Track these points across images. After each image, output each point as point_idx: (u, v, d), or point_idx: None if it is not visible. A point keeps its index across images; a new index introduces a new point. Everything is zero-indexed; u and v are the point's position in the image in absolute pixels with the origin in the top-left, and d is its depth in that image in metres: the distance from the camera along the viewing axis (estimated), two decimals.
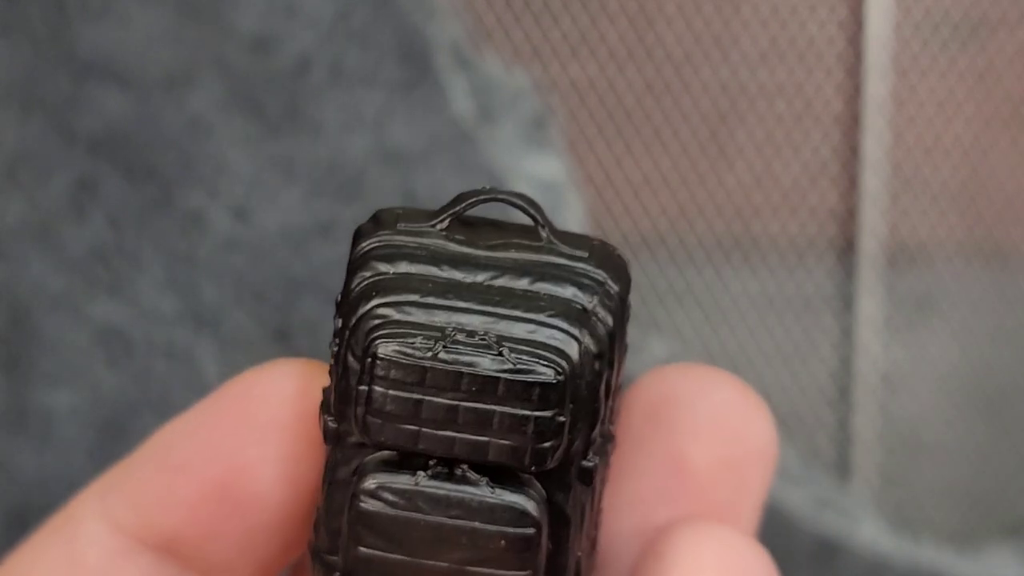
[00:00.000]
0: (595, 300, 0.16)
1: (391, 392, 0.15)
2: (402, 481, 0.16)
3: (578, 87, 0.41)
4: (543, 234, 0.17)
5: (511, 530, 0.15)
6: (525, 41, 0.41)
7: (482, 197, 0.17)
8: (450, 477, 0.16)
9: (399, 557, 0.16)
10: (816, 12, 0.42)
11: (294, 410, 0.17)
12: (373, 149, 0.39)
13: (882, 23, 0.42)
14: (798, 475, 0.42)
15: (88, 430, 0.40)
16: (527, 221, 0.17)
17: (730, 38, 0.42)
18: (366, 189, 0.39)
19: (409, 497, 0.16)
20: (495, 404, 0.15)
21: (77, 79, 0.39)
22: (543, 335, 0.16)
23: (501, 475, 0.16)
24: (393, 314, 0.16)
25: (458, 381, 0.15)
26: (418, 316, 0.16)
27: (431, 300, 0.16)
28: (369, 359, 0.16)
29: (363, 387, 0.16)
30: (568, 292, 0.16)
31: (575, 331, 0.16)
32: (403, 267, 0.16)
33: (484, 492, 0.16)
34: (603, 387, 0.16)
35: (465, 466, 0.16)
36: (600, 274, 0.17)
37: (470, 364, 0.15)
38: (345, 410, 0.16)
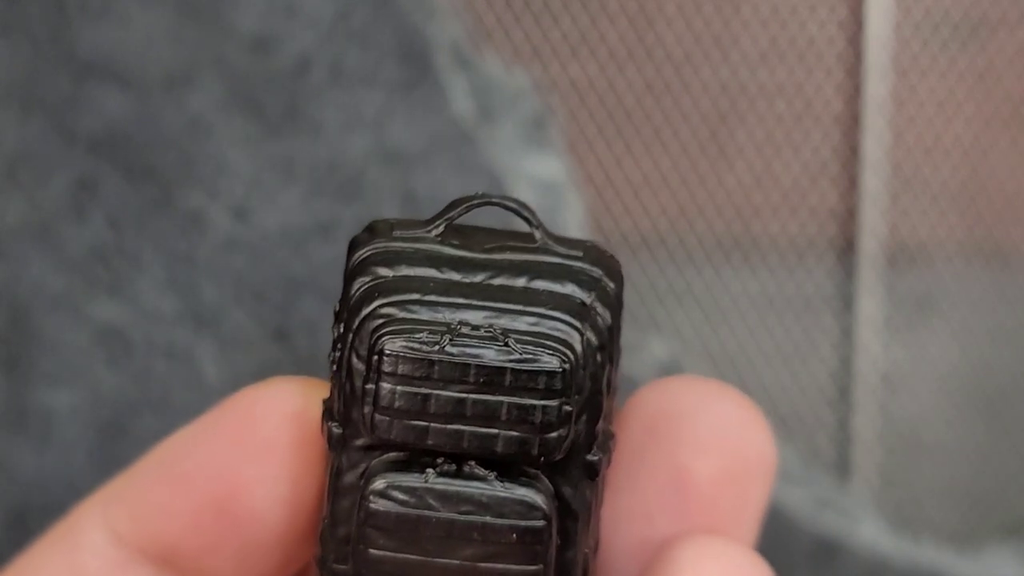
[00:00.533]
0: (593, 295, 0.16)
1: (399, 388, 0.16)
2: (411, 480, 0.16)
3: (578, 87, 0.41)
4: (537, 235, 0.17)
5: (522, 523, 0.16)
6: (525, 41, 0.41)
7: (475, 202, 0.17)
8: (458, 474, 0.16)
9: (410, 557, 0.16)
10: (816, 12, 0.42)
11: (293, 430, 0.18)
12: (373, 149, 0.39)
13: (882, 23, 0.42)
14: (798, 475, 0.42)
15: (88, 430, 0.40)
16: (520, 228, 0.17)
17: (730, 38, 0.42)
18: (366, 189, 0.39)
19: (419, 495, 0.16)
20: (503, 395, 0.15)
21: (77, 79, 0.39)
22: (546, 327, 0.16)
23: (509, 472, 0.16)
24: (397, 312, 0.16)
25: (466, 373, 0.15)
26: (422, 314, 0.16)
27: (433, 298, 0.16)
28: (376, 356, 0.16)
29: (370, 385, 0.16)
30: (567, 288, 0.16)
31: (577, 323, 0.16)
32: (403, 271, 0.16)
33: (494, 487, 0.16)
34: (605, 380, 0.16)
35: (473, 462, 0.16)
36: (596, 271, 0.17)
37: (477, 356, 0.16)
38: (351, 413, 0.16)
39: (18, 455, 0.40)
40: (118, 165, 0.39)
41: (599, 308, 0.16)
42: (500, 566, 0.16)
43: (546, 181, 0.41)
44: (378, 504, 0.16)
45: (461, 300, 0.16)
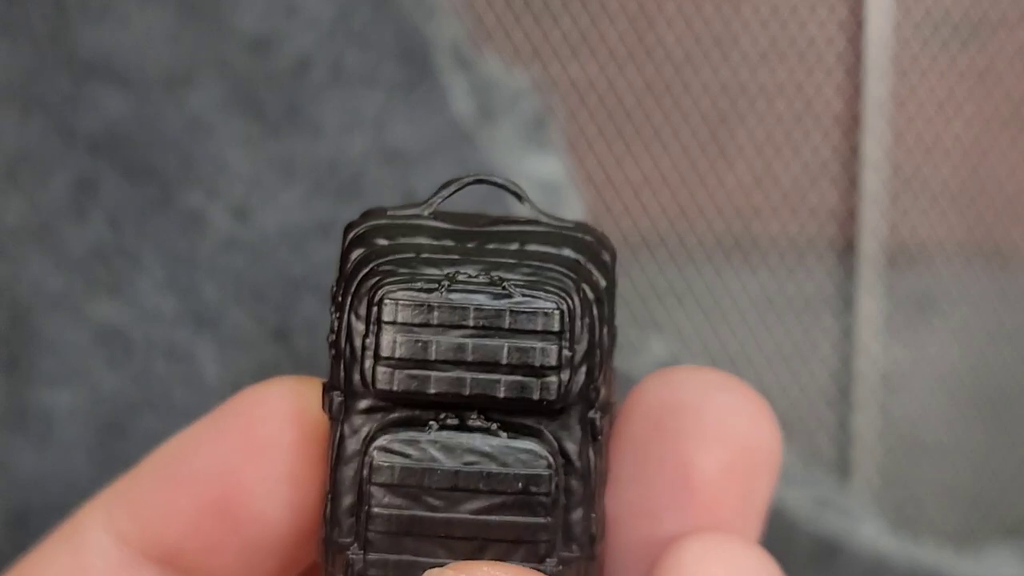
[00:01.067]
0: (586, 257, 0.16)
1: (399, 337, 0.16)
2: (413, 434, 0.16)
3: (578, 87, 0.41)
4: (528, 208, 0.17)
5: (527, 471, 0.16)
6: (525, 41, 0.41)
7: (466, 181, 0.17)
8: (461, 427, 0.16)
9: (417, 513, 0.16)
10: (816, 12, 0.42)
11: (294, 430, 0.17)
12: (373, 149, 0.39)
13: (882, 23, 0.42)
14: (798, 475, 0.42)
15: (88, 430, 0.40)
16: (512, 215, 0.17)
17: (730, 38, 0.42)
18: (366, 189, 0.39)
19: (422, 448, 0.16)
20: (502, 338, 0.15)
21: (77, 79, 0.39)
22: (542, 276, 0.16)
23: (511, 426, 0.16)
24: (396, 268, 0.16)
25: (465, 317, 0.16)
26: (420, 268, 0.16)
27: (429, 256, 0.16)
28: (375, 307, 0.16)
29: (370, 339, 0.16)
30: (561, 251, 0.16)
31: (572, 275, 0.16)
32: (399, 240, 0.16)
33: (497, 436, 0.16)
34: (601, 335, 0.16)
35: (476, 415, 0.16)
36: (589, 238, 0.17)
37: (475, 300, 0.16)
38: (351, 376, 0.16)
39: (18, 455, 0.40)
40: (118, 165, 0.39)
41: (593, 269, 0.16)
42: (507, 518, 0.16)
43: (546, 181, 0.41)
44: (381, 459, 0.16)
45: (458, 257, 0.16)
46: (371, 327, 0.16)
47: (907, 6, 0.42)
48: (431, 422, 0.16)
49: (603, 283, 0.17)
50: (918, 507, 0.44)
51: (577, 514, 0.16)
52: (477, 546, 0.16)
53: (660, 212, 0.42)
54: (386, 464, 0.16)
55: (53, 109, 0.39)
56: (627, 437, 0.18)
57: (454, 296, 0.16)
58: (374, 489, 0.16)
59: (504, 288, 0.16)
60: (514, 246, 0.16)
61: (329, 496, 0.17)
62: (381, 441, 0.16)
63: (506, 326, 0.16)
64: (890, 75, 0.42)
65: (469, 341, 0.16)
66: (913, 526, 0.43)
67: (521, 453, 0.16)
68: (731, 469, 0.17)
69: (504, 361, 0.16)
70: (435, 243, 0.16)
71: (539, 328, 0.16)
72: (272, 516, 0.18)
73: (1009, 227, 0.43)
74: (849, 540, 0.41)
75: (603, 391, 0.17)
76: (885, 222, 0.42)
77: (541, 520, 0.16)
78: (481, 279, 0.16)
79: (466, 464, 0.16)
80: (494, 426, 0.16)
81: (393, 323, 0.16)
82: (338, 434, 0.16)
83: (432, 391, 0.16)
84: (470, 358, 0.16)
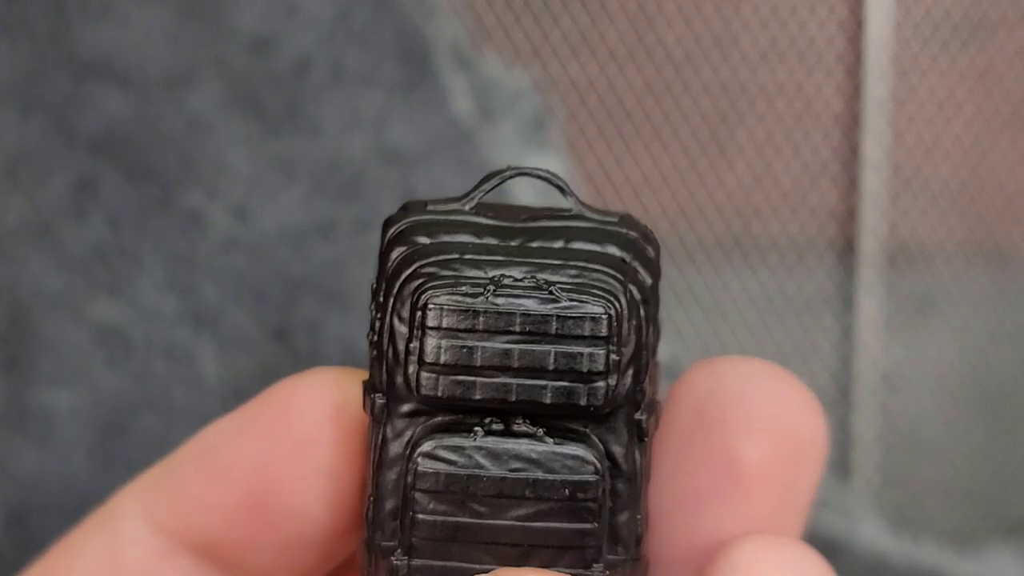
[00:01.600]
0: (631, 255, 0.16)
1: (443, 342, 0.15)
2: (459, 439, 0.16)
3: (578, 87, 0.41)
4: (571, 203, 0.17)
5: (574, 477, 0.15)
6: (525, 41, 0.41)
7: (507, 174, 0.17)
8: (507, 432, 0.16)
9: (462, 520, 0.16)
10: (816, 12, 0.42)
11: (334, 424, 0.17)
12: (373, 149, 0.39)
13: (882, 23, 0.42)
14: None
15: (88, 430, 0.40)
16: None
17: (730, 38, 0.42)
18: (366, 189, 0.39)
19: (467, 454, 0.15)
20: (549, 344, 0.15)
21: (77, 79, 0.39)
22: (589, 278, 0.16)
23: (557, 430, 0.16)
24: (439, 271, 0.16)
25: (511, 323, 0.15)
26: (464, 271, 0.16)
27: (473, 256, 0.16)
28: (419, 311, 0.15)
29: (414, 344, 0.16)
30: (605, 248, 0.16)
31: (619, 276, 0.16)
32: (441, 237, 0.16)
33: (544, 442, 0.15)
34: (647, 335, 0.16)
35: (521, 420, 0.16)
36: (633, 234, 0.17)
37: (521, 305, 0.15)
38: (394, 379, 0.16)
39: (18, 455, 0.40)
40: (118, 165, 0.39)
41: (639, 267, 0.16)
42: (553, 525, 0.16)
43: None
44: (426, 466, 0.16)
45: (502, 258, 0.16)
46: (415, 332, 0.15)
47: (907, 6, 0.42)
48: (476, 428, 0.16)
49: (649, 281, 0.16)
50: (918, 507, 0.44)
51: (623, 516, 0.16)
52: (523, 552, 0.16)
53: (660, 212, 0.42)
54: (431, 470, 0.16)
55: (53, 109, 0.39)
56: (672, 427, 0.17)
57: (500, 301, 0.15)
58: (419, 495, 0.16)
59: (551, 292, 0.15)
60: (559, 244, 0.16)
61: (371, 499, 0.16)
62: (426, 446, 0.16)
63: (553, 332, 0.15)
64: (890, 75, 0.42)
65: (515, 347, 0.15)
66: (913, 526, 0.43)
67: (568, 459, 0.15)
68: (777, 459, 0.17)
69: (551, 367, 0.15)
70: (478, 241, 0.16)
71: (586, 333, 0.15)
72: (311, 511, 0.17)
73: (1009, 227, 0.43)
74: (849, 540, 0.41)
75: (649, 391, 0.16)
76: (885, 222, 0.42)
77: (588, 526, 0.16)
78: (527, 283, 0.15)
79: (512, 471, 0.16)
80: (540, 431, 0.16)
81: (438, 328, 0.15)
82: (380, 437, 0.16)
83: (477, 397, 0.15)
84: (516, 364, 0.15)
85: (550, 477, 0.16)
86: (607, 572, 0.16)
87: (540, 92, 0.41)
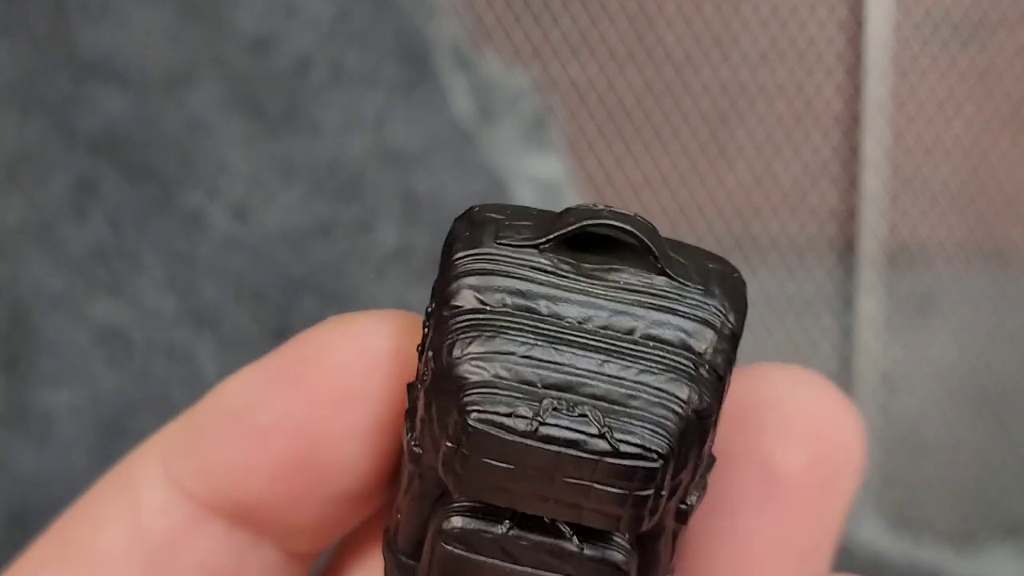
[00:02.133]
0: (708, 343, 0.15)
1: (484, 460, 0.14)
2: (488, 529, 0.15)
3: (578, 87, 0.41)
4: (654, 264, 0.15)
5: None
6: (525, 41, 0.41)
7: (592, 222, 0.15)
8: (537, 528, 0.15)
9: None
10: (816, 12, 0.42)
11: (379, 378, 0.16)
12: (373, 149, 0.39)
13: (882, 23, 0.42)
14: None
15: (88, 430, 0.40)
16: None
17: (730, 38, 0.42)
18: (366, 189, 0.39)
19: (492, 544, 0.15)
20: (594, 481, 0.14)
21: (77, 79, 0.39)
22: (648, 401, 0.15)
23: (590, 529, 0.15)
24: (487, 372, 0.15)
25: (554, 459, 0.14)
26: (515, 375, 0.15)
27: (537, 354, 0.14)
28: (460, 425, 0.14)
29: (451, 444, 0.14)
30: (676, 338, 0.15)
31: (682, 395, 0.15)
32: (498, 297, 0.15)
33: (572, 545, 0.15)
34: (708, 443, 0.15)
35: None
36: (716, 316, 0.15)
37: (570, 444, 0.14)
38: (425, 445, 0.15)
39: (18, 455, 0.40)
40: (118, 165, 0.39)
41: (713, 358, 0.15)
42: None
43: (546, 181, 0.41)
44: (452, 548, 0.15)
45: (563, 359, 0.15)
46: (455, 439, 0.15)
47: (907, 6, 0.42)
48: (507, 520, 0.15)
49: (722, 368, 0.15)
50: (918, 507, 0.44)
51: None
52: None
53: (660, 212, 0.42)
54: (451, 552, 0.15)
55: (53, 109, 0.39)
56: None
57: (546, 434, 0.14)
58: (442, 568, 0.15)
59: (603, 435, 0.15)
60: (628, 327, 0.15)
61: (398, 514, 0.16)
62: (454, 525, 0.15)
63: (599, 471, 0.14)
64: (890, 75, 0.42)
65: (558, 478, 0.15)
66: (913, 526, 0.43)
67: (599, 564, 0.15)
68: (814, 466, 0.17)
69: (592, 498, 0.14)
70: (539, 318, 0.15)
71: (636, 479, 0.14)
72: (356, 465, 0.17)
73: (1009, 227, 0.43)
74: (849, 540, 0.41)
75: (700, 476, 0.16)
76: (885, 222, 0.42)
77: None
78: (579, 414, 0.14)
79: (537, 568, 0.15)
80: (570, 534, 0.15)
81: (479, 448, 0.15)
82: (413, 474, 0.16)
83: (508, 507, 0.15)
84: (555, 493, 0.14)
85: None
86: None
87: (540, 92, 0.41)
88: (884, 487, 0.43)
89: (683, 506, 0.15)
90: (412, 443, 0.15)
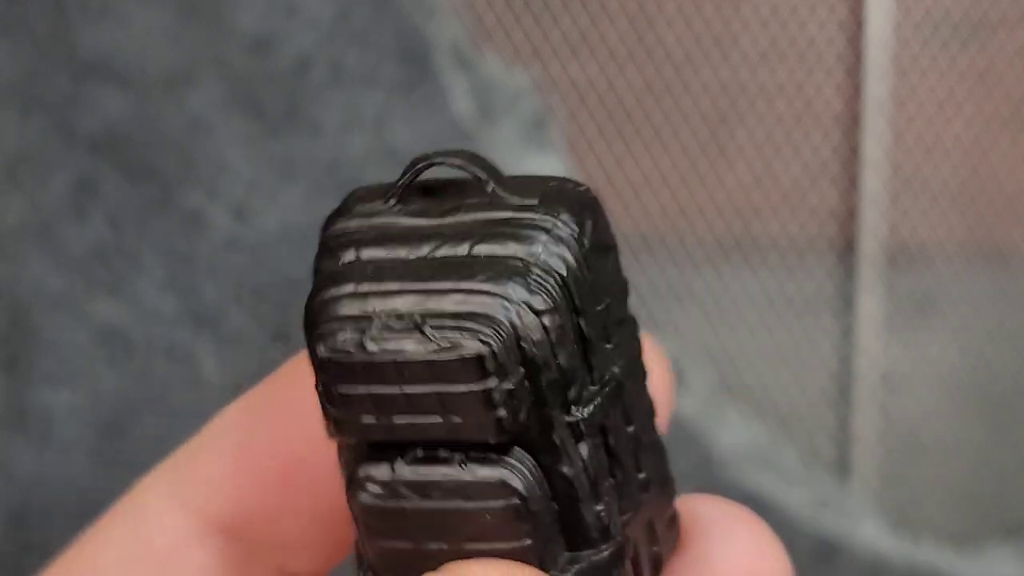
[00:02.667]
0: (538, 250, 0.16)
1: (340, 390, 0.15)
2: (382, 472, 0.15)
3: (578, 87, 0.41)
4: (488, 189, 0.16)
5: (493, 503, 0.15)
6: (525, 41, 0.41)
7: (421, 165, 0.17)
8: (426, 460, 0.15)
9: (404, 546, 0.15)
10: (816, 12, 0.42)
11: None
12: (373, 149, 0.39)
13: (882, 23, 0.42)
14: (798, 475, 0.42)
15: (88, 430, 0.40)
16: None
17: (730, 38, 0.42)
18: None
19: (391, 486, 0.15)
20: (437, 386, 0.15)
21: (77, 79, 0.39)
22: (473, 304, 0.15)
23: (483, 450, 0.15)
24: (330, 310, 0.16)
25: (394, 369, 0.15)
26: (350, 308, 0.15)
27: (365, 288, 0.16)
28: (314, 363, 0.15)
29: (319, 388, 0.15)
30: (508, 249, 0.15)
31: (509, 291, 0.15)
32: (348, 256, 0.16)
33: (459, 471, 0.15)
34: (567, 337, 0.15)
35: (442, 446, 0.15)
36: (548, 220, 0.16)
37: (396, 351, 0.15)
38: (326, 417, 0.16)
39: (18, 455, 0.40)
40: (118, 165, 0.39)
41: (548, 262, 0.15)
42: (488, 545, 0.15)
43: None
44: (362, 496, 0.15)
45: (393, 286, 0.15)
46: (318, 377, 0.15)
47: (907, 6, 0.42)
48: (398, 458, 0.15)
49: (563, 272, 0.16)
50: (918, 507, 0.44)
51: (576, 515, 0.16)
52: None
53: (660, 212, 0.42)
54: (365, 503, 0.16)
55: (53, 109, 0.39)
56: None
57: (376, 348, 0.15)
58: (366, 520, 0.16)
59: (424, 333, 0.15)
60: (463, 248, 0.16)
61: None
62: (358, 476, 0.16)
63: (434, 376, 0.15)
64: (890, 75, 0.42)
65: (403, 392, 0.15)
66: (913, 526, 0.43)
67: (484, 487, 0.15)
68: None
69: (438, 409, 0.15)
70: (385, 256, 0.16)
71: (469, 373, 0.15)
72: (340, 477, 0.17)
73: (1009, 227, 0.43)
74: (849, 540, 0.41)
75: (586, 380, 0.16)
76: (885, 222, 0.43)
77: (524, 543, 0.15)
78: (404, 324, 0.15)
79: (435, 500, 0.15)
80: (458, 457, 0.15)
81: (331, 376, 0.15)
82: (340, 455, 0.16)
83: (381, 438, 0.15)
84: (406, 408, 0.15)
85: (469, 505, 0.15)
86: (563, 574, 0.16)
87: (540, 92, 0.41)
88: (884, 487, 0.43)
89: (569, 418, 0.16)
90: (326, 420, 0.16)
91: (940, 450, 0.44)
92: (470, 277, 0.15)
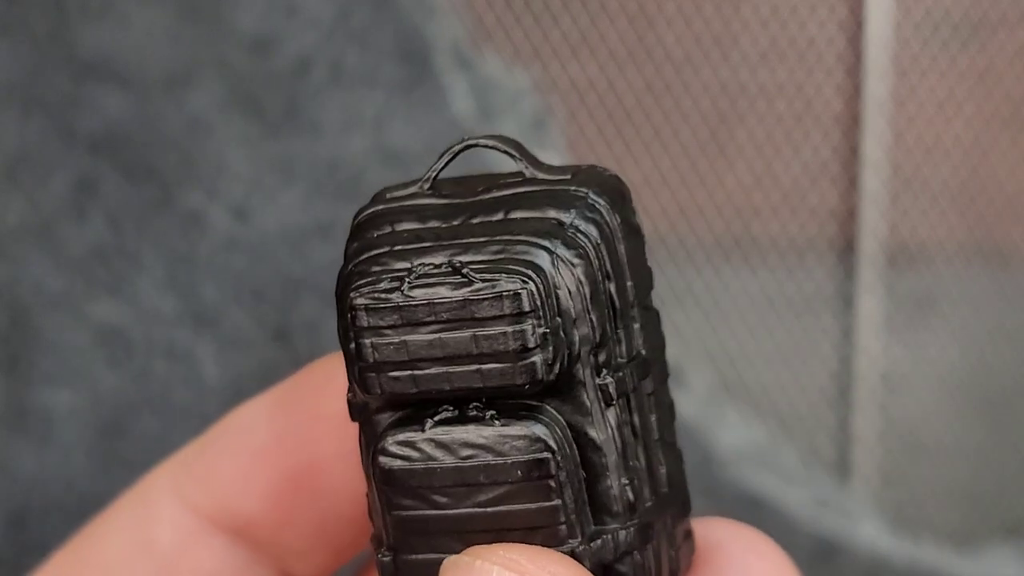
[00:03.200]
0: (572, 214, 0.16)
1: (374, 340, 0.15)
2: (410, 433, 0.15)
3: (578, 87, 0.41)
4: (524, 169, 0.17)
5: (524, 457, 0.15)
6: (525, 41, 0.41)
7: (457, 149, 0.17)
8: (457, 419, 0.15)
9: (428, 512, 0.15)
10: (816, 12, 0.42)
11: None
12: (373, 149, 0.39)
13: (882, 23, 0.42)
14: (798, 475, 0.42)
15: (88, 430, 0.40)
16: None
17: (730, 38, 0.42)
18: (366, 189, 0.39)
19: (420, 447, 0.15)
20: (472, 327, 0.15)
21: (77, 79, 0.39)
22: (511, 252, 0.15)
23: (510, 409, 0.15)
24: (367, 267, 0.16)
25: (431, 311, 0.15)
26: (389, 264, 0.16)
27: (401, 248, 0.16)
28: (350, 314, 0.15)
29: (352, 344, 0.15)
30: (544, 212, 0.16)
31: (545, 243, 0.15)
32: (385, 229, 0.16)
33: (490, 425, 0.15)
34: (599, 297, 0.16)
35: (474, 405, 0.15)
36: (581, 191, 0.16)
37: (436, 293, 0.15)
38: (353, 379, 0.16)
39: (18, 455, 0.40)
40: (118, 165, 0.39)
41: (581, 225, 0.16)
42: (516, 507, 0.15)
43: None
44: (385, 462, 0.15)
45: (429, 244, 0.16)
46: (350, 332, 0.15)
47: (907, 6, 0.42)
48: (427, 419, 0.16)
49: (596, 235, 0.16)
50: (918, 507, 0.44)
51: (603, 484, 0.16)
52: (494, 538, 0.15)
53: (660, 212, 0.42)
54: (387, 467, 0.15)
55: (53, 109, 0.39)
56: None
57: (416, 293, 0.15)
58: (387, 491, 0.16)
59: (463, 275, 0.15)
60: (499, 216, 0.16)
61: (368, 494, 0.16)
62: (384, 443, 0.16)
63: (470, 316, 0.15)
64: (890, 75, 0.42)
65: (438, 336, 0.15)
66: (913, 526, 0.43)
67: (516, 440, 0.15)
68: None
69: (476, 351, 0.15)
70: (420, 227, 0.16)
71: (506, 312, 0.15)
72: (349, 488, 0.17)
73: (1009, 227, 0.43)
74: (849, 540, 0.41)
75: (616, 350, 0.16)
76: (885, 222, 0.43)
77: (553, 503, 0.15)
78: (443, 269, 0.15)
79: (464, 459, 0.15)
80: (489, 414, 0.15)
81: (365, 328, 0.15)
82: (363, 436, 0.16)
83: (414, 390, 0.15)
84: (442, 354, 0.15)
85: (500, 460, 0.15)
86: (588, 545, 0.16)
87: (540, 92, 0.41)
88: (884, 487, 0.43)
89: (600, 380, 0.16)
90: (349, 395, 0.16)
91: (940, 450, 0.44)
92: (506, 233, 0.16)
